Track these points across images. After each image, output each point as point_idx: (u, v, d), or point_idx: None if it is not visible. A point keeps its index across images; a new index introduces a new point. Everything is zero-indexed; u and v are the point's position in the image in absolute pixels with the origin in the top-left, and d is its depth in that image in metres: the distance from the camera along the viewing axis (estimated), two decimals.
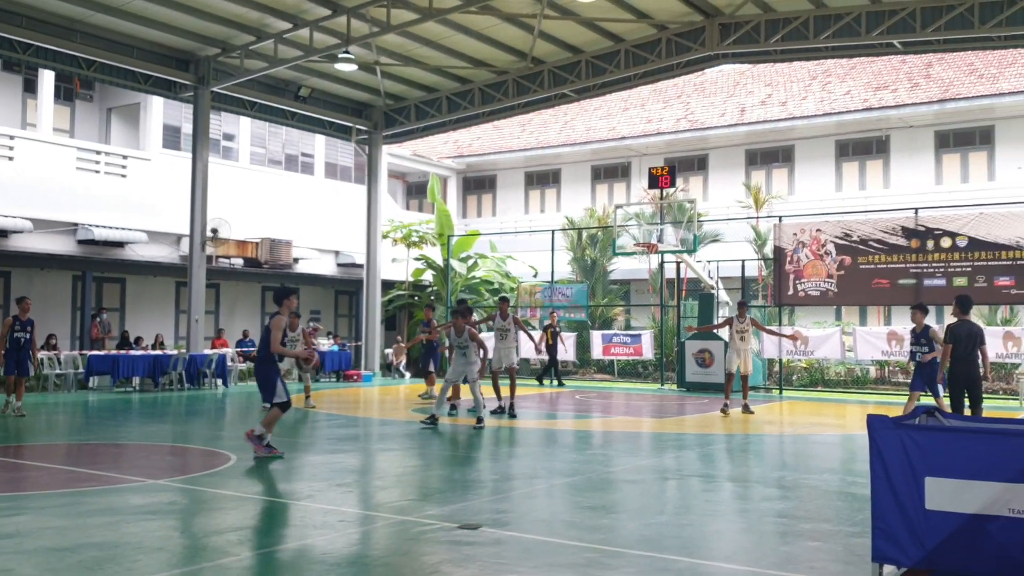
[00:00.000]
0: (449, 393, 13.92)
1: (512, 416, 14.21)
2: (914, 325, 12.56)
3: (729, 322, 15.57)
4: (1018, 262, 17.92)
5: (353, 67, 20.68)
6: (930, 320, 21.25)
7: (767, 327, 17.83)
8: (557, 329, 22.95)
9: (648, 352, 23.52)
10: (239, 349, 24.18)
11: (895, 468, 3.45)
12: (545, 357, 22.86)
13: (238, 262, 25.31)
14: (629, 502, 7.67)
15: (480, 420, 12.90)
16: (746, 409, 15.30)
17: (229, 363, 21.73)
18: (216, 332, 24.91)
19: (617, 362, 25.19)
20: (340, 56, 19.87)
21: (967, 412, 11.10)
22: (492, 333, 15.49)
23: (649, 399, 19.05)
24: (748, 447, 11.55)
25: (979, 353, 10.83)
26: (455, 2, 17.95)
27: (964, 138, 25.91)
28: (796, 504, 7.62)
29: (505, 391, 14.97)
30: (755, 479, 8.93)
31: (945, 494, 3.35)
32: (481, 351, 13.36)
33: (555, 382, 22.52)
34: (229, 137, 26.91)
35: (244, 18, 19.18)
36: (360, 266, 26.83)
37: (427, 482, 8.74)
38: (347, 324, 30.70)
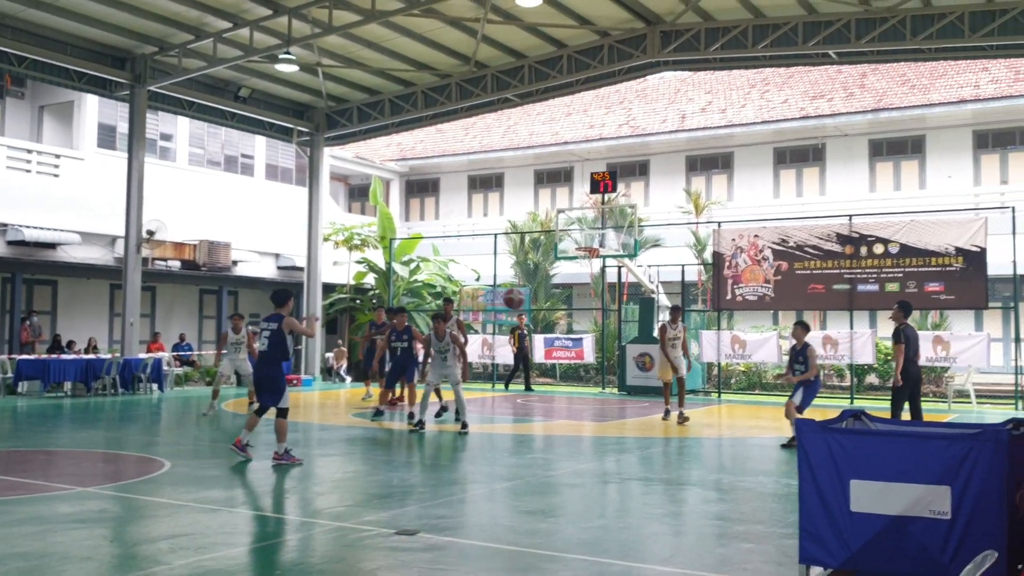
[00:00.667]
0: (432, 397, 13.73)
1: (463, 429, 13.06)
2: (795, 342, 12.02)
3: (663, 330, 14.96)
4: (947, 268, 18.43)
5: (294, 68, 20.48)
6: (863, 325, 21.86)
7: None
8: (524, 332, 22.85)
9: (590, 356, 23.66)
10: (176, 353, 23.76)
11: (822, 471, 3.53)
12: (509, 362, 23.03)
13: (175, 264, 24.85)
14: (568, 506, 7.71)
15: (464, 425, 12.75)
16: (681, 417, 14.50)
17: (165, 367, 21.32)
18: (152, 336, 24.42)
19: (559, 366, 25.30)
20: (281, 57, 19.66)
21: (905, 414, 11.42)
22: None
23: (590, 403, 19.17)
24: (687, 450, 11.69)
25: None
26: (398, 4, 17.89)
27: (897, 147, 26.57)
28: (732, 506, 7.73)
29: (448, 395, 14.76)
30: (693, 482, 9.04)
31: (869, 496, 3.43)
32: (461, 355, 13.17)
33: (523, 387, 22.37)
34: (166, 137, 26.42)
35: (182, 16, 18.86)
36: (301, 269, 26.54)
37: (366, 488, 8.68)
38: (298, 321, 30.31)
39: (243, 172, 28.37)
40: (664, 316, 22.58)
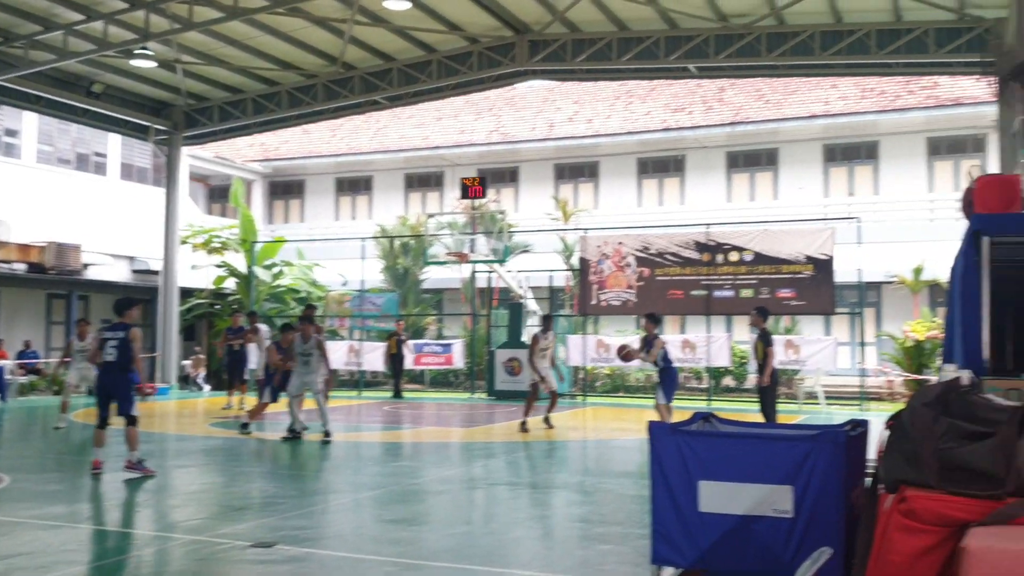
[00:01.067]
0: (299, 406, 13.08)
1: (326, 438, 12.65)
2: (646, 332, 12.73)
3: (535, 340, 14.73)
4: (798, 276, 19.34)
5: (152, 64, 19.70)
6: (720, 329, 22.68)
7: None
8: (403, 338, 22.51)
9: (459, 361, 23.66)
10: (20, 361, 22.40)
11: (673, 473, 3.62)
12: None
13: (20, 267, 23.43)
14: (433, 513, 7.66)
15: (327, 434, 12.41)
16: (547, 423, 14.26)
17: (8, 376, 20.08)
18: None
19: (428, 371, 25.20)
20: (137, 52, 18.87)
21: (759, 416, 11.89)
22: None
23: (459, 408, 19.17)
24: (552, 454, 11.82)
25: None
26: (262, 2, 17.43)
27: (752, 159, 27.72)
28: (593, 509, 7.86)
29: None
30: (557, 485, 9.15)
31: (717, 497, 3.55)
32: (325, 362, 12.88)
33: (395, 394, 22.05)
34: (12, 133, 24.94)
35: (30, 6, 17.82)
36: (157, 273, 25.49)
37: (223, 500, 8.39)
38: (142, 334, 29.08)
39: (96, 171, 27.06)
40: (533, 322, 22.86)
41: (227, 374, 17.97)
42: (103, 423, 9.59)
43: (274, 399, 13.89)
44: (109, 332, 9.71)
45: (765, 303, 19.53)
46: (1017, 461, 2.34)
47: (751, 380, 23.13)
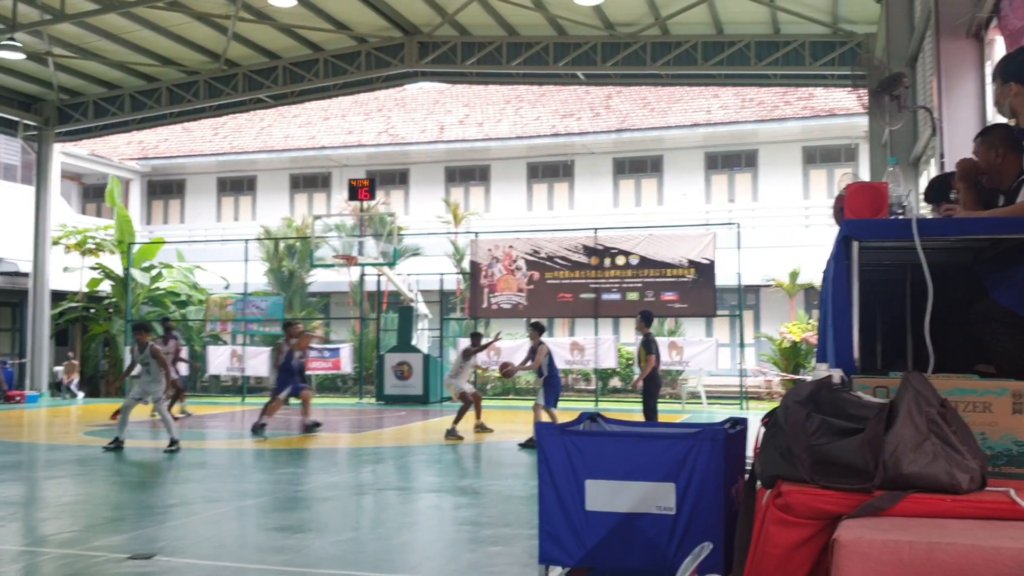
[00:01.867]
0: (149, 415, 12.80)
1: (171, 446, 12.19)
2: (531, 342, 13.10)
3: (468, 354, 14.68)
4: (681, 279, 19.86)
5: (20, 56, 18.72)
6: (607, 332, 23.07)
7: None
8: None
9: (347, 366, 23.35)
10: None
11: (559, 472, 3.66)
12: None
13: None
14: (319, 520, 7.52)
15: (173, 442, 12.04)
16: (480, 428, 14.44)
17: None
18: None
19: (315, 376, 24.74)
20: (3, 43, 17.89)
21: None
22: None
23: (347, 413, 18.90)
24: (442, 457, 11.78)
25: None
26: None
27: (638, 165, 28.32)
28: (482, 510, 7.86)
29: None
30: (446, 488, 9.12)
31: (603, 495, 3.60)
32: (164, 369, 12.55)
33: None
34: None
35: None
36: (26, 275, 24.25)
37: (98, 511, 8.03)
38: (10, 339, 27.63)
39: None
40: (423, 325, 22.78)
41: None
42: None
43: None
44: None
45: (650, 306, 20.00)
46: (884, 455, 2.45)
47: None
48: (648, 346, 12.11)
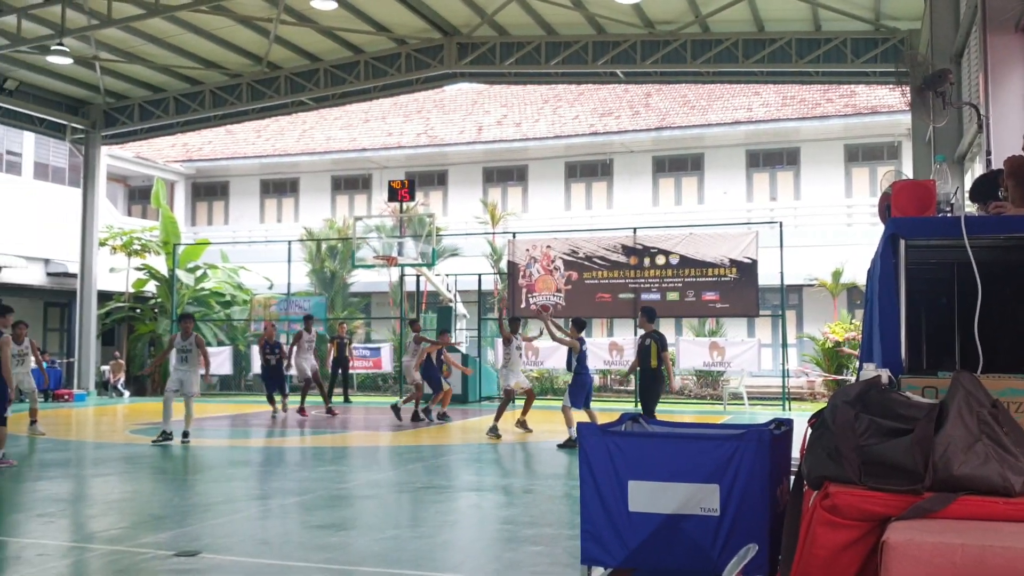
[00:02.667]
0: (174, 407, 13.10)
1: (184, 439, 12.75)
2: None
3: (507, 341, 14.66)
4: (722, 279, 19.69)
5: (68, 61, 19.11)
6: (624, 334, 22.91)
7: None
8: (345, 340, 21.88)
9: (388, 365, 23.48)
10: None
11: (601, 473, 3.65)
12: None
13: None
14: (361, 518, 7.58)
15: (185, 435, 12.67)
16: (522, 425, 14.45)
17: None
18: None
19: (357, 375, 24.93)
20: (53, 48, 18.26)
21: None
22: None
23: (388, 412, 18.99)
24: (481, 456, 11.81)
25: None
26: None
27: (678, 164, 28.15)
28: (522, 510, 7.87)
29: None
30: (487, 487, 9.14)
31: (646, 496, 3.58)
32: (205, 360, 13.12)
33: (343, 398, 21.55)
34: None
35: None
36: (74, 276, 24.72)
37: (144, 508, 8.17)
38: (58, 339, 28.19)
39: (8, 170, 26.12)
40: (462, 325, 22.83)
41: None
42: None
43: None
44: None
45: (691, 306, 19.92)
46: (934, 456, 2.42)
47: (678, 382, 23.51)
48: (662, 342, 11.79)
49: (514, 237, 21.92)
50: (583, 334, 13.15)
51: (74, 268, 24.70)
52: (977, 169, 13.46)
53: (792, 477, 3.16)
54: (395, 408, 16.19)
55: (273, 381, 17.38)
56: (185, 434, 12.68)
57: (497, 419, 13.80)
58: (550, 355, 21.16)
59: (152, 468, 10.63)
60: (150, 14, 17.32)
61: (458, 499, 8.52)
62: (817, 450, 2.64)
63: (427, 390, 16.47)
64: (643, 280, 20.23)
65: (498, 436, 13.37)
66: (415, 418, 16.04)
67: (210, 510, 7.81)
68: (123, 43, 19.74)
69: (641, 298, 20.21)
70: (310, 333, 17.70)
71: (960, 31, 12.45)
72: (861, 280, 20.05)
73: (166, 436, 12.60)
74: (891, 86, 21.63)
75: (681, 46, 18.57)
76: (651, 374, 11.78)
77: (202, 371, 13.40)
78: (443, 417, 16.29)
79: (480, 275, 22.75)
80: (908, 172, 20.62)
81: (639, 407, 13.22)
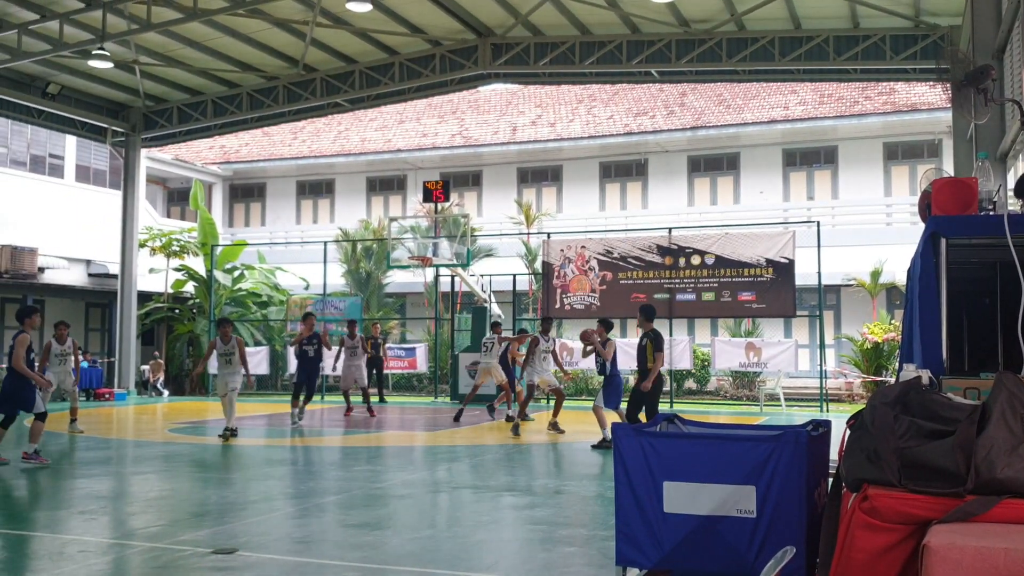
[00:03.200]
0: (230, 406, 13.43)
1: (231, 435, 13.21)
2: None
3: (535, 342, 14.76)
4: (759, 279, 19.52)
5: (108, 65, 19.39)
6: (682, 333, 22.83)
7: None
8: (380, 340, 21.95)
9: (422, 365, 23.57)
10: None
11: (636, 474, 3.63)
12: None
13: None
14: (396, 517, 7.61)
15: (234, 431, 13.19)
16: (555, 428, 14.45)
17: None
18: None
19: (391, 375, 25.06)
20: (94, 52, 18.55)
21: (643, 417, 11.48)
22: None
23: (422, 412, 19.08)
24: (516, 457, 11.80)
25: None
26: (222, 3, 17.26)
27: (713, 163, 27.96)
28: (557, 511, 7.85)
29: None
30: (521, 488, 9.13)
31: (681, 497, 3.56)
32: (244, 362, 13.55)
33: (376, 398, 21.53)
34: None
35: None
36: (114, 276, 25.11)
37: (183, 506, 8.27)
38: (99, 338, 28.64)
39: (51, 173, 26.60)
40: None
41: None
42: (8, 421, 10.42)
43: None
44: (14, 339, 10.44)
45: (727, 306, 19.76)
46: (976, 459, 2.37)
47: (713, 383, 23.37)
48: (657, 342, 11.49)
49: (548, 237, 21.90)
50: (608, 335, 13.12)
51: (114, 269, 25.08)
52: (1020, 167, 13.19)
53: (830, 479, 3.12)
54: (490, 408, 16.94)
55: (304, 373, 15.87)
56: (231, 430, 13.18)
57: (520, 414, 14.48)
58: (579, 355, 21.07)
59: (191, 466, 10.76)
60: (188, 18, 17.53)
61: (492, 499, 8.52)
62: (856, 452, 2.60)
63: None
64: (678, 280, 20.12)
65: (518, 434, 13.80)
66: (510, 419, 15.49)
67: (247, 508, 7.89)
68: (162, 47, 20.02)
69: (676, 298, 20.10)
70: (354, 339, 17.57)
71: (1002, 27, 12.23)
72: (900, 280, 19.77)
73: (232, 432, 13.14)
74: (931, 83, 21.33)
75: (716, 45, 18.44)
76: (656, 377, 11.45)
77: (243, 372, 13.76)
78: (510, 419, 15.80)
79: (515, 275, 22.76)
80: (949, 170, 20.32)
81: (672, 408, 13.11)
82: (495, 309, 22.78)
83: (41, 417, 10.57)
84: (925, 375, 2.87)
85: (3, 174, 25.01)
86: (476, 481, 9.71)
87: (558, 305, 21.16)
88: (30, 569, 5.77)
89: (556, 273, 21.24)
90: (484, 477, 10.06)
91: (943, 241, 3.20)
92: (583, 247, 21.07)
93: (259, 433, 15.03)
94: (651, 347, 11.43)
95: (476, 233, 23.92)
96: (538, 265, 23.72)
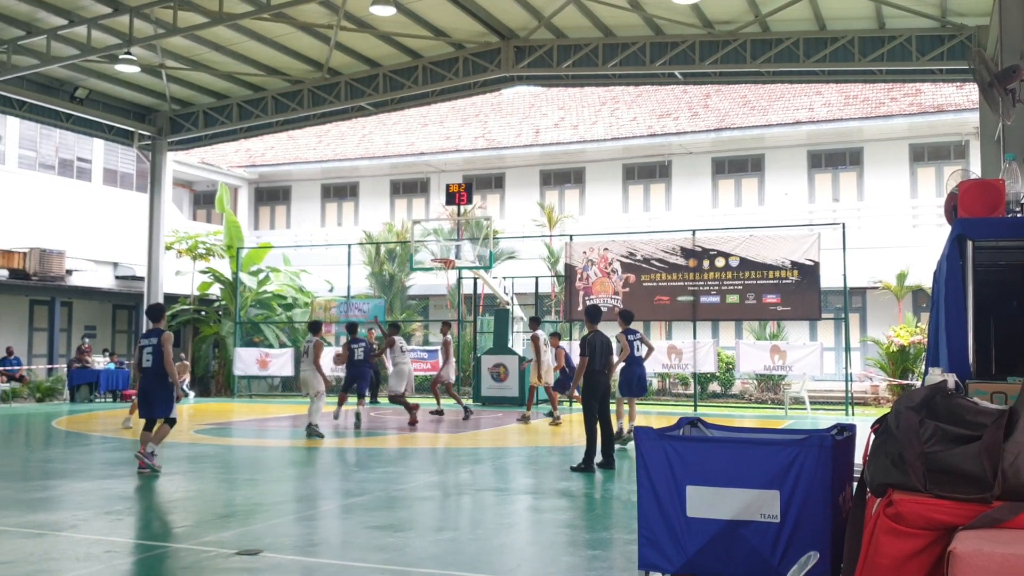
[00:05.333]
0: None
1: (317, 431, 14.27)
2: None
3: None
4: (784, 281, 19.40)
5: (135, 69, 19.61)
6: (706, 335, 22.72)
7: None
8: (374, 346, 21.95)
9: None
10: (2, 368, 22.22)
11: (659, 477, 3.61)
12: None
13: (2, 273, 23.28)
14: (419, 519, 7.63)
15: (316, 428, 14.12)
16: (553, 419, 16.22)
17: None
18: None
19: (414, 377, 25.06)
20: (121, 57, 18.77)
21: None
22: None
23: (445, 413, 19.10)
24: (538, 459, 11.80)
25: (609, 364, 10.82)
26: (247, 8, 17.40)
27: (738, 165, 27.82)
28: (579, 514, 7.84)
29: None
30: (543, 490, 9.12)
31: (704, 501, 3.54)
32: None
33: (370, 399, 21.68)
34: None
35: (12, 11, 17.73)
36: (141, 279, 25.36)
37: (207, 507, 8.33)
38: (126, 340, 28.92)
39: (79, 176, 26.91)
40: (519, 328, 22.84)
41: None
42: (149, 425, 10.17)
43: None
44: (145, 339, 10.28)
45: (752, 309, 19.66)
46: (1003, 464, 2.35)
47: (738, 386, 23.23)
48: (583, 347, 10.59)
49: (571, 239, 21.88)
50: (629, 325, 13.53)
51: (141, 271, 25.33)
52: None
53: (855, 484, 3.10)
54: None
55: (356, 372, 16.01)
56: (315, 426, 14.01)
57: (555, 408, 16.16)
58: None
59: (216, 467, 10.83)
60: (214, 22, 17.68)
61: (515, 501, 8.52)
62: (880, 456, 2.58)
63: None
64: (702, 283, 20.03)
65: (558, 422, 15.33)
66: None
67: (272, 510, 7.93)
68: (188, 51, 20.20)
69: (700, 301, 20.01)
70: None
71: None
72: (927, 282, 19.58)
73: (315, 430, 13.94)
74: (958, 84, 21.12)
75: (741, 46, 18.35)
76: (594, 376, 10.60)
77: (318, 377, 14.38)
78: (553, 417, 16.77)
79: (537, 278, 22.75)
80: (976, 172, 20.12)
81: (696, 411, 13.08)
82: (517, 311, 22.78)
83: (171, 422, 10.31)
84: (951, 379, 2.84)
85: (32, 177, 25.33)
86: (498, 483, 9.72)
87: (580, 307, 21.12)
88: (58, 570, 5.84)
89: (579, 275, 21.22)
90: (506, 479, 10.07)
91: (970, 243, 3.17)
92: (606, 249, 21.03)
93: (283, 435, 15.12)
94: (580, 353, 10.65)
95: (498, 235, 23.93)
96: (560, 267, 23.71)
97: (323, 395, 14.21)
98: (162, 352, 10.00)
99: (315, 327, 14.41)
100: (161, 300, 24.68)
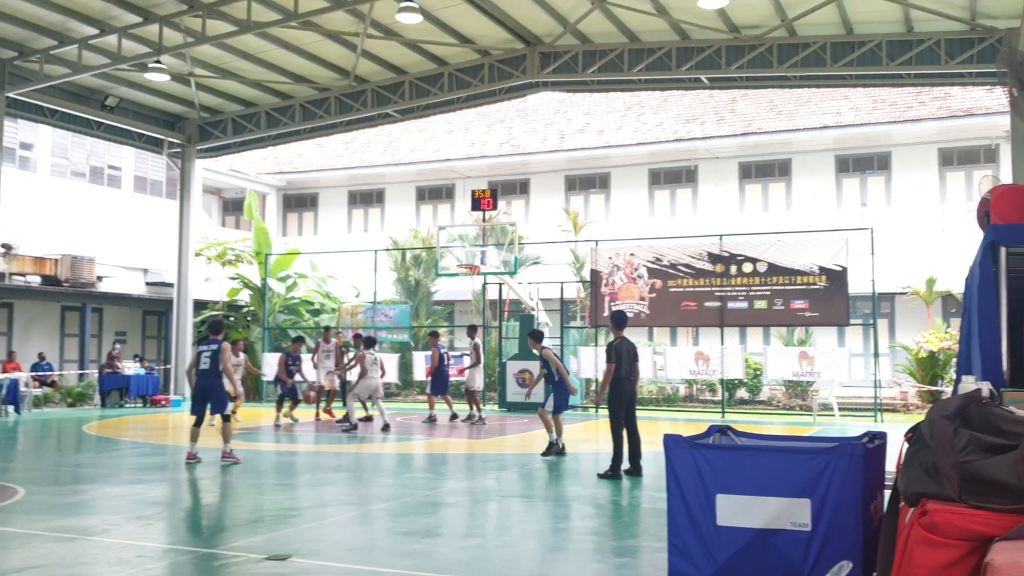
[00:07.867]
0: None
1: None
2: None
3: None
4: (811, 287, 19.25)
5: (165, 77, 19.82)
6: (734, 341, 22.59)
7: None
8: (444, 348, 21.88)
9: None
10: (35, 373, 22.49)
11: (688, 486, 3.60)
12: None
13: (35, 280, 23.59)
14: (446, 525, 7.64)
15: (386, 426, 15.90)
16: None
17: (23, 388, 20.16)
18: (7, 355, 23.06)
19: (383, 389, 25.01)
20: (151, 66, 19.00)
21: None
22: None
23: (474, 418, 19.09)
24: (564, 466, 11.77)
25: (635, 370, 10.68)
26: (274, 16, 17.55)
27: (765, 170, 27.66)
28: (607, 521, 7.82)
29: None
30: (571, 497, 9.11)
31: (734, 510, 3.52)
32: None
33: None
34: (26, 146, 25.12)
35: (45, 21, 18.00)
36: (170, 285, 25.61)
37: (236, 512, 8.39)
38: (155, 346, 29.20)
39: (110, 184, 27.24)
40: (545, 333, 22.80)
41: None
42: (199, 422, 11.57)
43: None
44: (204, 346, 11.73)
45: (779, 315, 19.55)
46: None
47: (766, 392, 23.06)
48: (608, 353, 10.53)
49: (597, 245, 21.84)
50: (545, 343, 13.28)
51: (171, 278, 25.57)
52: None
53: (887, 492, 3.07)
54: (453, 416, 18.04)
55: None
56: (386, 426, 15.96)
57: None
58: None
59: (245, 473, 10.91)
60: (242, 31, 17.84)
61: (543, 508, 8.51)
62: (914, 466, 2.56)
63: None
64: (729, 288, 19.92)
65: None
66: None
67: (301, 515, 7.98)
68: (217, 59, 20.40)
69: (728, 306, 19.90)
70: (328, 343, 18.86)
71: None
72: (956, 288, 19.37)
73: (352, 424, 16.00)
74: (988, 87, 20.88)
75: (767, 50, 18.27)
76: (621, 384, 10.48)
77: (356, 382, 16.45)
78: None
79: (562, 283, 22.72)
80: (1007, 176, 19.86)
81: (724, 418, 12.98)
82: (543, 317, 22.76)
83: (226, 419, 11.77)
84: (985, 387, 2.81)
85: (64, 185, 25.67)
86: (525, 490, 9.71)
87: (606, 313, 21.07)
88: (90, 574, 5.90)
89: (604, 281, 21.17)
90: (533, 486, 10.06)
91: (1003, 250, 3.14)
92: (632, 254, 20.97)
93: (308, 439, 15.20)
94: (607, 360, 10.54)
95: (524, 241, 23.93)
96: (586, 273, 23.66)
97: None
98: (219, 357, 11.48)
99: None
100: (190, 306, 24.95)
